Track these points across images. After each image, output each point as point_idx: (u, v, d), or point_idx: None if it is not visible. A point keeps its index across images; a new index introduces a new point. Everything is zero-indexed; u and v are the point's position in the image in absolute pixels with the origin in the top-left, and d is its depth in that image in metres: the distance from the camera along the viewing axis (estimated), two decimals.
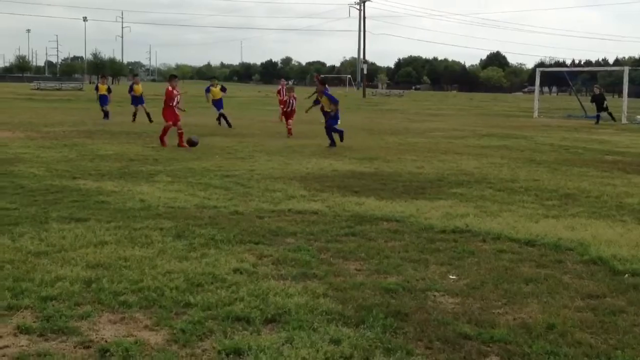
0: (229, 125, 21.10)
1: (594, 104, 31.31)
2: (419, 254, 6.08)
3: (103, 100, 24.38)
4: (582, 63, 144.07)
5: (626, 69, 34.29)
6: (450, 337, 4.17)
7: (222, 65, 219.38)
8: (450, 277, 5.44)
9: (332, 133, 15.92)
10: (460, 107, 49.32)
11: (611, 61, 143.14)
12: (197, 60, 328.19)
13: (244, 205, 8.21)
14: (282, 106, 21.42)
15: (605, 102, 30.68)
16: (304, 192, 9.30)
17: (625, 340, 4.16)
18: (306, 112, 18.62)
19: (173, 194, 8.83)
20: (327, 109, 16.34)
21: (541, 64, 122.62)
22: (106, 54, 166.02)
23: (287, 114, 19.17)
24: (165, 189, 9.24)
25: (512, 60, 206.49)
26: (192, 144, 15.05)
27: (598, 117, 30.00)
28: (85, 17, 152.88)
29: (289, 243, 6.38)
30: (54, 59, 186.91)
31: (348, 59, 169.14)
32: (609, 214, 8.15)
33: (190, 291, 4.84)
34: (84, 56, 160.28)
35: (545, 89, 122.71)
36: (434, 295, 4.96)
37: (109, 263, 5.49)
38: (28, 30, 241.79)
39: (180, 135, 15.45)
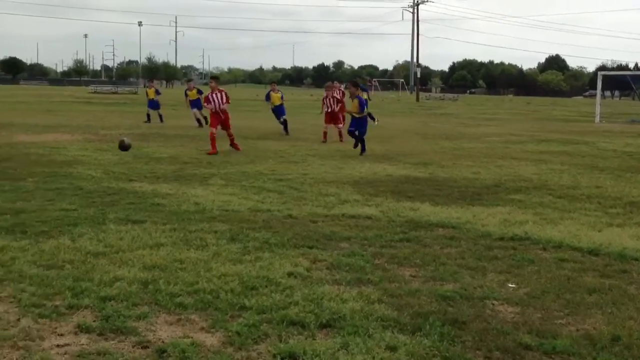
0: (287, 132, 20.42)
1: None
2: (476, 262, 5.94)
3: (150, 104, 24.89)
4: None
5: None
6: (510, 347, 4.05)
7: (274, 68, 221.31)
8: (509, 285, 5.30)
9: (355, 137, 15.21)
10: (517, 111, 48.41)
11: None
12: (249, 63, 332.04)
13: (298, 209, 8.20)
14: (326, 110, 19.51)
15: None
16: (358, 196, 9.24)
17: None
18: (320, 113, 18.95)
19: (227, 197, 8.89)
20: (356, 114, 15.41)
21: (602, 67, 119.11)
22: (160, 58, 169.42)
23: (331, 117, 18.48)
24: (219, 192, 9.32)
25: (572, 63, 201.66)
26: (123, 147, 12.74)
27: None
28: (140, 22, 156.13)
29: (343, 248, 6.34)
30: (110, 63, 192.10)
31: (401, 63, 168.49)
32: None
33: (245, 294, 4.84)
34: (138, 60, 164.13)
35: (607, 93, 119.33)
36: (493, 304, 4.83)
37: (165, 265, 5.55)
38: (85, 35, 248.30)
39: (231, 139, 15.27)
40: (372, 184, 10.42)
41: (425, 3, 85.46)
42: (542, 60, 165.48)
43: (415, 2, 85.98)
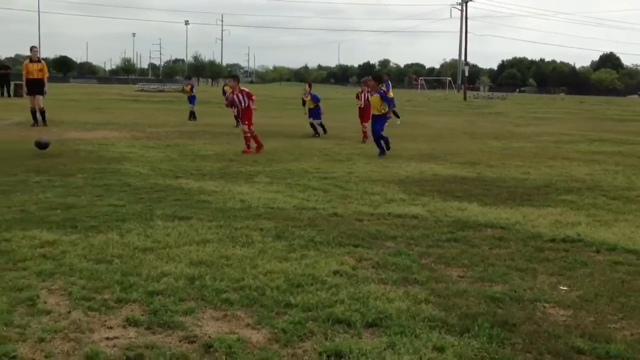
0: (324, 131, 19.44)
1: None
2: (527, 263, 5.80)
3: (190, 100, 25.25)
4: None
5: None
6: (561, 351, 3.94)
7: (320, 67, 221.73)
8: (561, 288, 5.15)
9: (380, 140, 14.28)
10: (568, 110, 47.33)
11: None
12: (294, 62, 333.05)
13: (343, 207, 8.17)
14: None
15: None
16: (404, 195, 9.15)
17: None
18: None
19: (272, 195, 8.91)
20: (375, 110, 14.37)
21: None
22: (206, 56, 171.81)
23: (362, 112, 17.70)
24: (264, 190, 9.35)
25: (627, 61, 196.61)
26: (39, 145, 12.71)
27: None
28: (187, 21, 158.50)
29: (389, 247, 6.27)
30: (157, 62, 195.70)
31: (448, 61, 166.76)
32: None
33: (290, 292, 4.82)
34: (185, 59, 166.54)
35: None
36: (544, 306, 4.71)
37: (211, 261, 5.58)
38: (133, 34, 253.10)
39: (245, 139, 14.40)
40: (418, 183, 10.31)
41: (474, 0, 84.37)
42: (596, 58, 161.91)
43: None
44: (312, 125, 19.14)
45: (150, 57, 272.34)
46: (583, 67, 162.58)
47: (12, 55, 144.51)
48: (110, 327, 4.15)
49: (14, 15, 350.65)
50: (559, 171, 12.21)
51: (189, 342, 3.96)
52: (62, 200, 8.12)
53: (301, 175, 10.86)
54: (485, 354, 3.86)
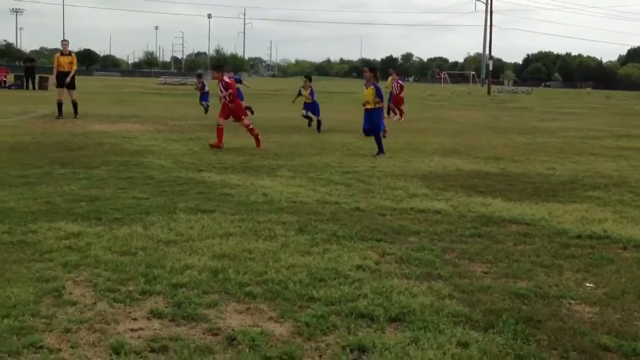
0: (319, 129, 18.59)
1: None
2: (552, 259, 5.74)
3: (203, 98, 25.33)
4: None
5: None
6: (587, 348, 3.89)
7: (342, 61, 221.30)
8: (587, 284, 5.09)
9: (380, 135, 13.55)
10: (595, 105, 46.74)
11: None
12: (316, 55, 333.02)
13: (366, 202, 8.14)
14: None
15: None
16: (427, 190, 9.10)
17: None
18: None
19: (295, 189, 8.91)
20: (369, 104, 13.52)
21: None
22: (228, 50, 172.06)
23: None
24: (287, 184, 9.35)
25: None
26: None
27: None
28: (210, 14, 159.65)
29: (412, 242, 6.24)
30: (179, 55, 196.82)
31: (472, 55, 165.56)
32: None
33: (313, 285, 4.82)
34: (207, 52, 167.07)
35: None
36: (569, 303, 4.66)
37: (234, 254, 5.60)
38: (156, 28, 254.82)
39: (218, 131, 13.97)
40: (441, 178, 10.25)
41: None
42: (624, 52, 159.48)
43: None
44: (305, 116, 19.16)
45: (172, 50, 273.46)
46: (610, 61, 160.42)
47: (37, 48, 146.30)
48: (135, 319, 4.18)
49: (39, 8, 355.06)
50: (585, 167, 12.06)
51: (212, 335, 3.97)
52: (87, 193, 8.19)
53: (323, 170, 10.85)
54: (510, 350, 3.83)
